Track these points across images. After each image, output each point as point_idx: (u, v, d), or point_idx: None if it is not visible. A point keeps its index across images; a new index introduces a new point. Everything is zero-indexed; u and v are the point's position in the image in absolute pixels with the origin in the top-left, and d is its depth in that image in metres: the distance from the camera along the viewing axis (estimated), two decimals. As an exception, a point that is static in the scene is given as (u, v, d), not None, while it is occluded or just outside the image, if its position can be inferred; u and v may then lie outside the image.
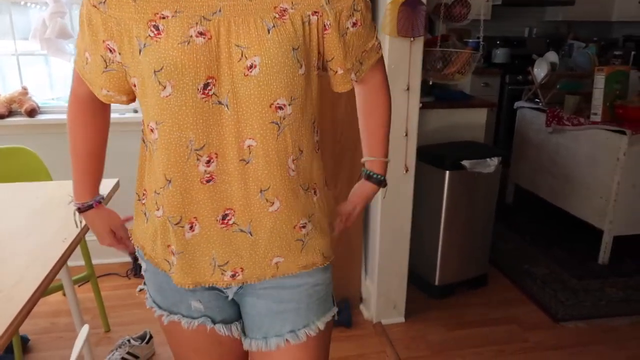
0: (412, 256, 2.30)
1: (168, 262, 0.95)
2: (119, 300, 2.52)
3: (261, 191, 0.87)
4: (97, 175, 1.08)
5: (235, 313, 1.03)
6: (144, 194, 0.96)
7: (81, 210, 1.09)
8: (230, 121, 0.83)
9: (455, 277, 2.56)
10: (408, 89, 2.02)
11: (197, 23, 0.79)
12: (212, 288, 0.98)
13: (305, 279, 0.97)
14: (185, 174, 0.85)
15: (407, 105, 2.04)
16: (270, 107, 0.83)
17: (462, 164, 2.33)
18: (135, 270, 2.77)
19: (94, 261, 2.24)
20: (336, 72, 0.95)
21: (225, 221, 0.88)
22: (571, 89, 3.25)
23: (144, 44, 0.80)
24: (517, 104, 3.64)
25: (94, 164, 1.06)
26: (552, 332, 2.31)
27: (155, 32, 0.79)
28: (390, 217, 2.21)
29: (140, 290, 1.08)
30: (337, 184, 2.22)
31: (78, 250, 1.77)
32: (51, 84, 2.95)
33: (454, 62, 2.15)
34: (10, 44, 2.66)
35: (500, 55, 4.81)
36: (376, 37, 0.98)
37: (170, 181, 0.86)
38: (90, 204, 1.08)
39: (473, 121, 2.76)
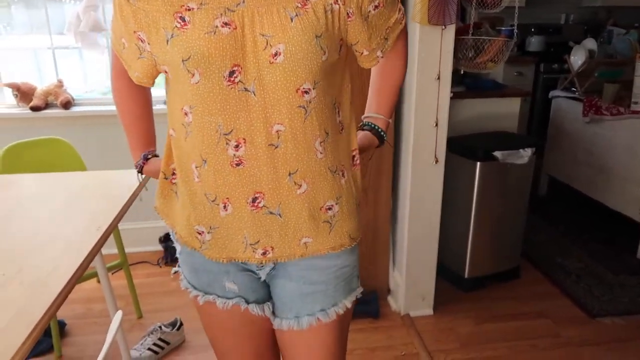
0: (441, 248, 2.27)
1: (198, 239, 0.98)
2: (151, 287, 2.58)
3: (289, 174, 0.90)
4: (146, 135, 1.16)
5: (267, 294, 1.07)
6: (172, 174, 1.01)
7: (137, 168, 1.16)
8: (258, 107, 0.86)
9: (485, 269, 2.52)
10: (439, 78, 1.98)
11: (221, 14, 0.82)
12: (245, 269, 1.02)
13: (334, 260, 1.00)
14: (217, 156, 0.89)
15: (437, 95, 2.00)
16: (297, 92, 0.85)
17: (493, 154, 2.28)
18: (166, 258, 2.83)
19: (127, 250, 2.30)
20: (362, 53, 0.97)
21: (255, 204, 0.91)
22: (610, 77, 3.13)
23: (172, 35, 0.83)
24: (552, 93, 3.53)
25: (142, 125, 1.15)
26: (587, 327, 2.25)
27: (182, 24, 0.83)
28: (419, 208, 2.18)
29: (175, 272, 1.12)
30: (365, 174, 2.20)
31: (111, 238, 1.82)
32: (85, 77, 3.01)
33: (487, 51, 2.10)
34: (46, 38, 2.73)
35: (534, 43, 4.66)
36: (399, 9, 0.98)
37: (205, 161, 0.91)
38: (140, 163, 1.15)
39: (506, 111, 2.69)
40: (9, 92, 2.70)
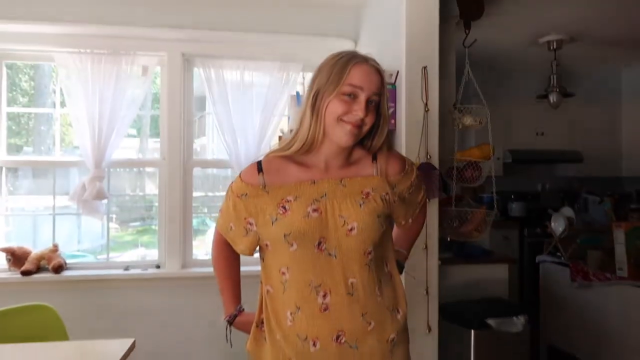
0: None
1: None
2: None
3: (362, 315, 1.22)
4: (237, 294, 1.45)
5: None
6: (262, 322, 1.31)
7: (230, 321, 1.41)
8: (338, 266, 1.22)
9: None
10: (426, 247, 2.05)
11: (311, 203, 1.23)
12: None
13: None
14: (309, 304, 1.22)
15: (425, 265, 2.05)
16: (364, 254, 1.23)
17: (487, 322, 2.25)
18: None
19: None
20: (400, 222, 1.40)
21: (339, 340, 1.21)
22: (592, 243, 3.24)
23: (276, 218, 1.23)
24: (538, 258, 3.60)
25: (235, 286, 1.45)
26: None
27: (284, 211, 1.23)
28: (415, 382, 2.07)
29: None
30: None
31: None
32: (79, 238, 3.09)
33: (470, 221, 2.21)
34: (47, 200, 2.87)
35: (516, 208, 4.90)
36: (423, 189, 1.41)
37: (299, 308, 1.22)
38: (235, 314, 1.41)
39: (495, 276, 2.73)
40: (2, 255, 2.72)
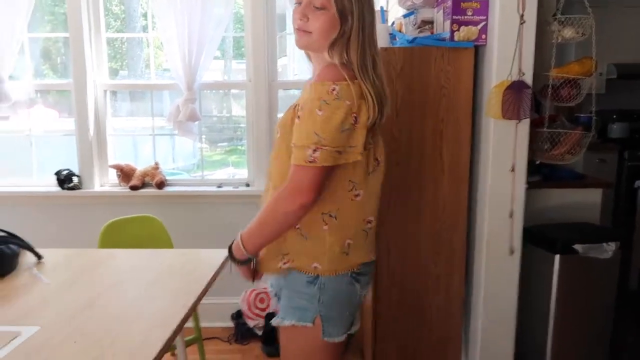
0: (518, 345, 2.15)
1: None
2: (221, 364, 2.62)
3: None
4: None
5: None
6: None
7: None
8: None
9: (569, 372, 2.33)
10: (513, 169, 1.99)
11: None
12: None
13: None
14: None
15: (512, 186, 2.01)
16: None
17: (574, 248, 2.19)
18: (236, 335, 2.88)
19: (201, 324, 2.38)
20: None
21: None
22: (703, 168, 2.95)
23: None
24: (637, 183, 3.37)
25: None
26: None
27: None
28: (493, 301, 2.11)
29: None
30: (437, 263, 2.19)
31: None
32: (174, 157, 3.34)
33: (563, 143, 2.10)
34: (147, 122, 3.09)
35: (617, 129, 4.52)
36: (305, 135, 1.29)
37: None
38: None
39: (587, 201, 2.60)
40: (113, 172, 3.03)
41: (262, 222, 1.33)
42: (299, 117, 1.25)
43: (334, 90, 1.21)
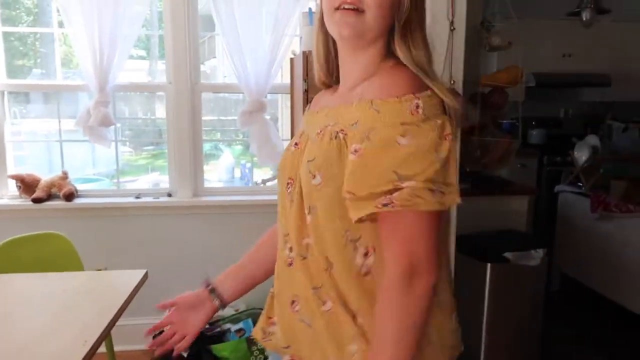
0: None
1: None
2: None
3: (313, 289, 0.93)
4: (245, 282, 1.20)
5: None
6: None
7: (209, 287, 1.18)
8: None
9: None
10: (446, 178, 1.96)
11: (298, 136, 1.01)
12: None
13: None
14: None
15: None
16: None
17: (505, 256, 2.20)
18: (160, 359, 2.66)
19: (117, 348, 2.16)
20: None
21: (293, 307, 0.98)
22: (616, 173, 3.12)
23: None
24: (557, 188, 3.51)
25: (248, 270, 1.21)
26: None
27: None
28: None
29: None
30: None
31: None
32: (94, 162, 3.05)
33: (494, 150, 2.10)
34: (55, 126, 2.79)
35: (536, 136, 4.74)
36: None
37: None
38: (207, 284, 1.19)
39: (513, 208, 2.65)
40: (13, 183, 2.69)
41: (394, 340, 0.86)
42: (355, 151, 0.84)
43: (418, 107, 0.83)
